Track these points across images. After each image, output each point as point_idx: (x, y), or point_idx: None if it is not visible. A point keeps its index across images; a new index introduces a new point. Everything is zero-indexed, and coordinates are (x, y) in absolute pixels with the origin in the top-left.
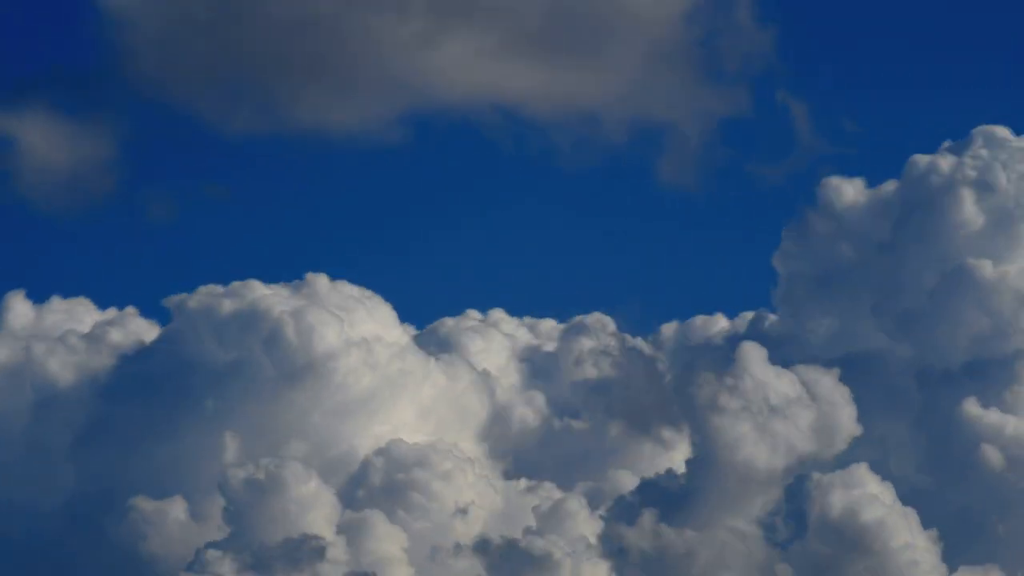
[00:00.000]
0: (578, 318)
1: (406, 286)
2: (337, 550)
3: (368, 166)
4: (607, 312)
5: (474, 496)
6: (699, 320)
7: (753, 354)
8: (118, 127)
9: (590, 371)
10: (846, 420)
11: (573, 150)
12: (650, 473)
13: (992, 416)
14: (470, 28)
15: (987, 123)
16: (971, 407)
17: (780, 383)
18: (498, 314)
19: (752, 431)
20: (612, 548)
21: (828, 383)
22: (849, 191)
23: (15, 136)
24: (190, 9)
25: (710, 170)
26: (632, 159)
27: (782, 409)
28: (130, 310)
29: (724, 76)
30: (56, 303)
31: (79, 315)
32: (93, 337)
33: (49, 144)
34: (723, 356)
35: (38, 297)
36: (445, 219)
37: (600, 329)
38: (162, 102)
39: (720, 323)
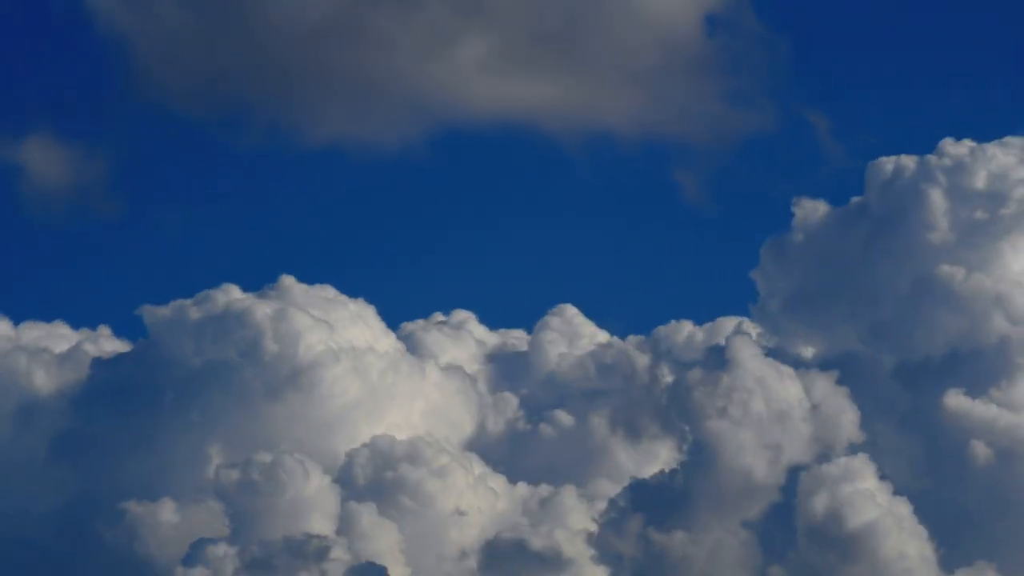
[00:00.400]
0: (563, 321)
1: (400, 295)
2: (335, 548)
3: (376, 176)
4: (597, 316)
5: (469, 497)
6: (689, 326)
7: (745, 353)
8: (123, 149)
9: (578, 374)
10: (844, 423)
11: (585, 162)
12: (643, 475)
13: (980, 409)
14: (482, 39)
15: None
16: (956, 404)
17: (774, 385)
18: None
19: (744, 432)
20: (607, 550)
21: (824, 385)
22: (823, 208)
23: (22, 163)
24: (188, 25)
25: (724, 183)
26: (645, 172)
27: (776, 411)
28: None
29: (740, 89)
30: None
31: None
32: (77, 350)
33: (53, 168)
34: (715, 359)
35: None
36: (441, 228)
37: (588, 333)
38: (166, 121)
39: (709, 329)
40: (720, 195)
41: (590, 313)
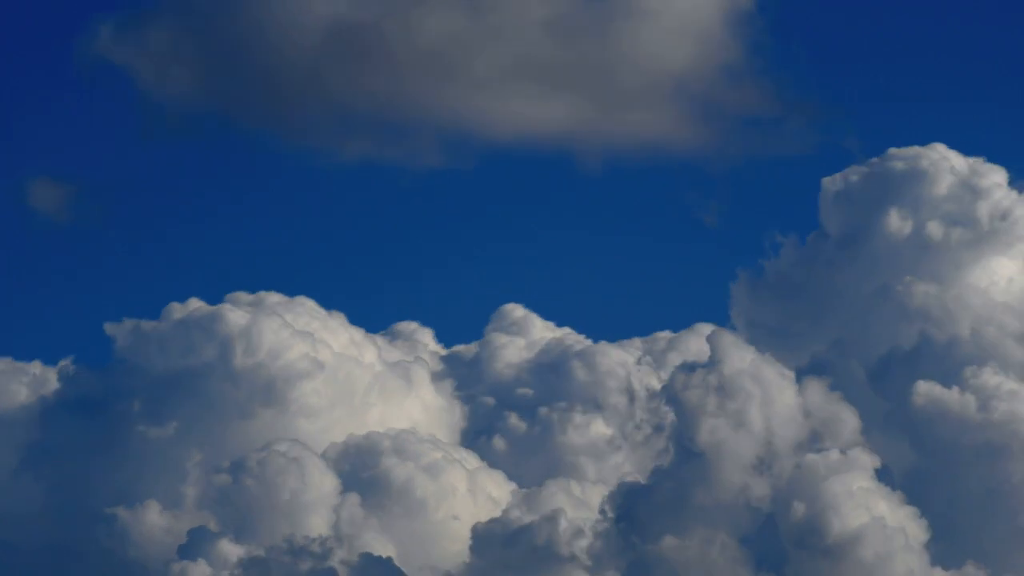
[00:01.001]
0: (523, 325)
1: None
2: (332, 544)
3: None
4: (580, 322)
5: (461, 497)
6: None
7: (733, 356)
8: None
9: (565, 377)
10: (840, 425)
11: (595, 179)
12: (631, 478)
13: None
14: (494, 58)
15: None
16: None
17: (765, 387)
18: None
19: (733, 434)
20: (595, 553)
21: (819, 388)
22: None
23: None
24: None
25: (738, 200)
26: (655, 187)
27: (765, 414)
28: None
29: (759, 105)
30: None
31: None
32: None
33: (54, 205)
34: (704, 361)
35: None
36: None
37: (570, 337)
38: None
39: (697, 333)
40: (732, 212)
41: (573, 318)
